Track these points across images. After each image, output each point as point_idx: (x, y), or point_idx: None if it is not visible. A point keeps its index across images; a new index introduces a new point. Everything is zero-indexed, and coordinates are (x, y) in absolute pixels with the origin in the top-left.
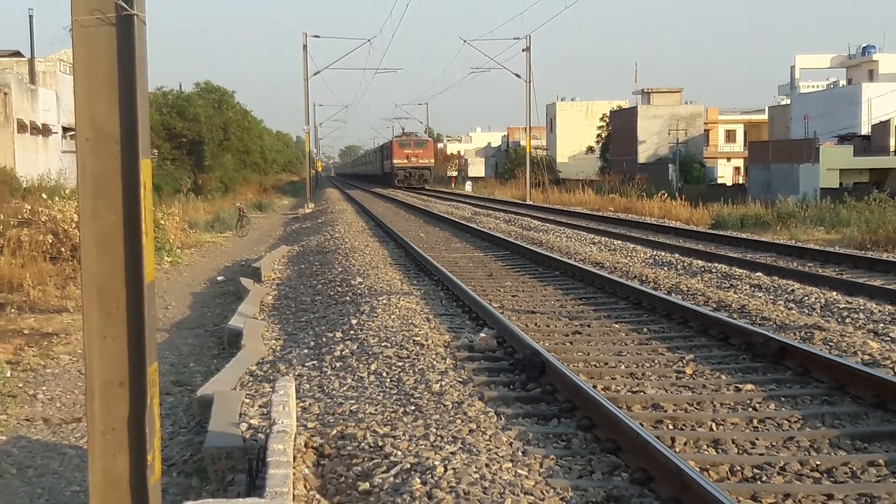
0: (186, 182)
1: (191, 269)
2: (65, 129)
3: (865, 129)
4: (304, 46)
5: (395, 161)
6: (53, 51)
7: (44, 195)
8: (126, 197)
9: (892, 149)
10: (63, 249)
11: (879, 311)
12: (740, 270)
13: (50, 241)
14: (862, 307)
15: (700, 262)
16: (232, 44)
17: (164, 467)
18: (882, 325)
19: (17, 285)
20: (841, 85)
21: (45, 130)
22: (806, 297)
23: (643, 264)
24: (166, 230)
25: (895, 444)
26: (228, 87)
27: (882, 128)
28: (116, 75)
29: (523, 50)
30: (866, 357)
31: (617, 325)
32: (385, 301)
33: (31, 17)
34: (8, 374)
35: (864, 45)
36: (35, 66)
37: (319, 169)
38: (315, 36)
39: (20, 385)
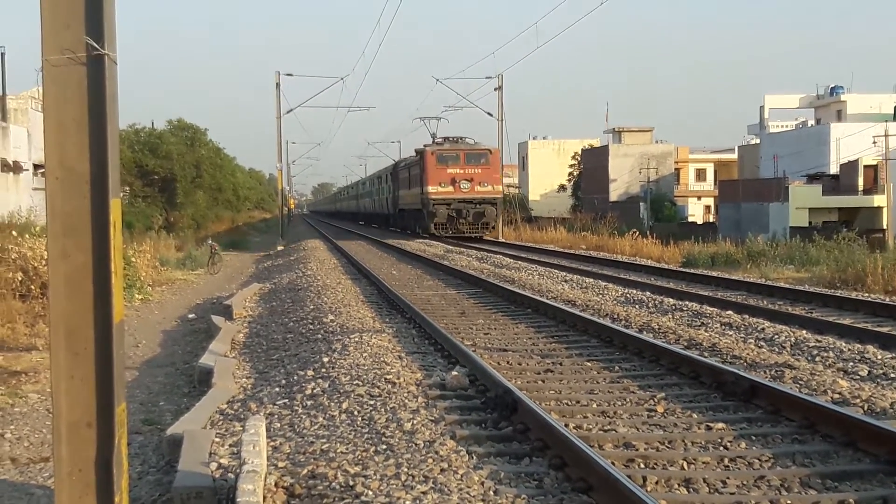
0: (158, 219)
1: (162, 307)
2: (36, 167)
3: (834, 169)
4: (277, 85)
5: (429, 189)
6: (25, 88)
7: (14, 232)
8: (96, 236)
9: (860, 188)
10: (33, 287)
11: (849, 349)
12: (711, 308)
13: (20, 278)
14: (831, 346)
15: (671, 300)
16: (205, 81)
17: None
18: (851, 363)
19: None
20: (810, 125)
21: (15, 167)
22: (776, 336)
23: (615, 302)
24: (137, 267)
25: (865, 484)
26: (201, 125)
27: (850, 167)
28: (87, 115)
29: (496, 89)
30: (836, 396)
31: (589, 364)
32: (357, 339)
33: (2, 55)
34: None
35: (833, 85)
36: (6, 104)
37: (292, 206)
38: (288, 74)
39: None
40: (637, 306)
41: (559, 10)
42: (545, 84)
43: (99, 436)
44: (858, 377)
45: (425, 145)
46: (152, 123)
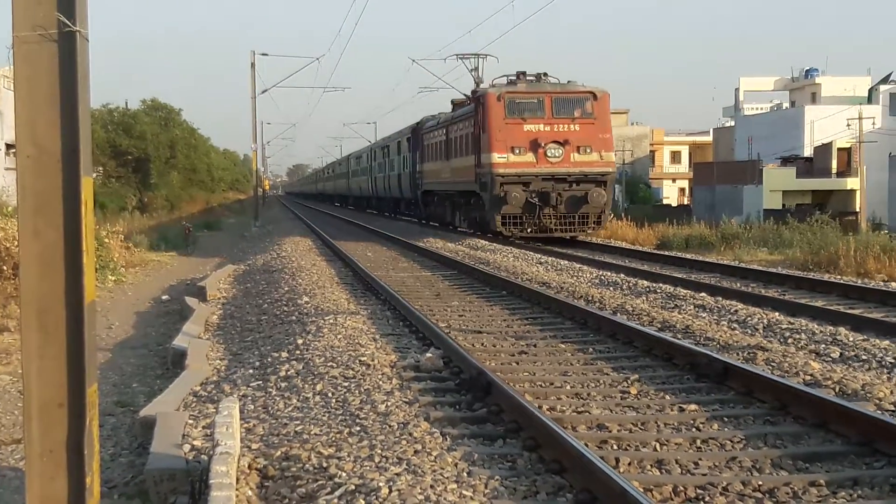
0: (132, 200)
1: (135, 289)
2: (8, 146)
3: (808, 151)
4: (252, 65)
5: (495, 158)
6: None
7: None
8: (67, 215)
9: (833, 171)
10: (5, 268)
11: (821, 331)
12: (685, 291)
13: None
14: (804, 328)
15: (645, 282)
16: (179, 61)
17: (106, 489)
18: (823, 345)
19: None
20: (784, 107)
21: None
22: (749, 318)
23: (589, 284)
24: (110, 248)
25: (836, 465)
26: (175, 105)
27: (824, 150)
28: (58, 92)
29: (471, 70)
30: (808, 377)
31: (563, 345)
32: (331, 321)
33: None
34: None
35: (807, 68)
36: None
37: (267, 187)
38: (263, 54)
39: None
40: (611, 288)
41: None
42: (521, 65)
43: (70, 417)
44: (830, 359)
45: (490, 86)
46: (126, 103)
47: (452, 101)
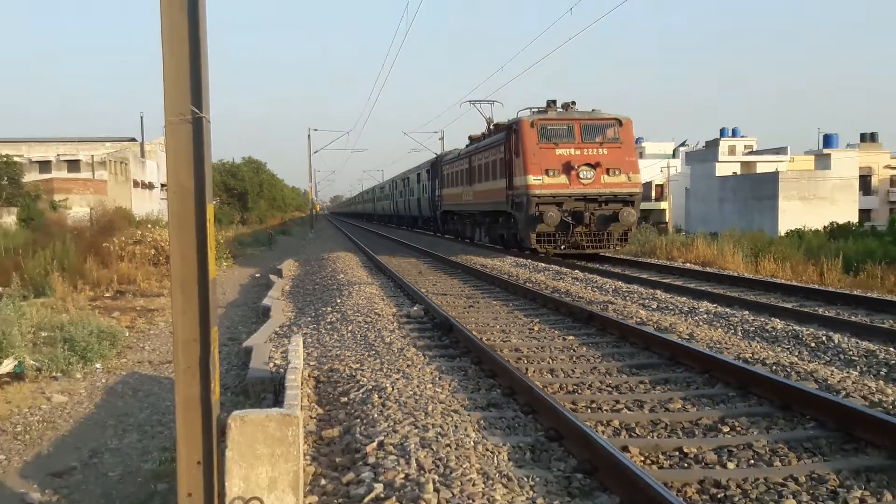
0: (236, 217)
1: (239, 271)
2: (162, 186)
3: None
4: (308, 136)
5: (531, 180)
6: (155, 137)
7: (149, 225)
8: (197, 227)
9: (653, 197)
10: (161, 258)
11: (646, 292)
12: (567, 269)
13: (153, 252)
14: (636, 291)
15: (543, 263)
16: (265, 131)
17: (222, 391)
18: (647, 301)
19: (132, 280)
20: None
21: (150, 186)
22: (604, 285)
23: (510, 266)
24: (224, 246)
25: (656, 371)
26: (262, 159)
27: (647, 186)
28: (192, 154)
29: (439, 139)
30: (638, 320)
31: (495, 302)
32: (357, 288)
33: (141, 116)
34: (127, 334)
35: (637, 137)
36: (144, 147)
37: (318, 209)
38: (315, 129)
39: (134, 341)
40: (523, 268)
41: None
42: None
43: (201, 347)
44: (651, 308)
45: (519, 115)
46: (232, 159)
47: (470, 137)
